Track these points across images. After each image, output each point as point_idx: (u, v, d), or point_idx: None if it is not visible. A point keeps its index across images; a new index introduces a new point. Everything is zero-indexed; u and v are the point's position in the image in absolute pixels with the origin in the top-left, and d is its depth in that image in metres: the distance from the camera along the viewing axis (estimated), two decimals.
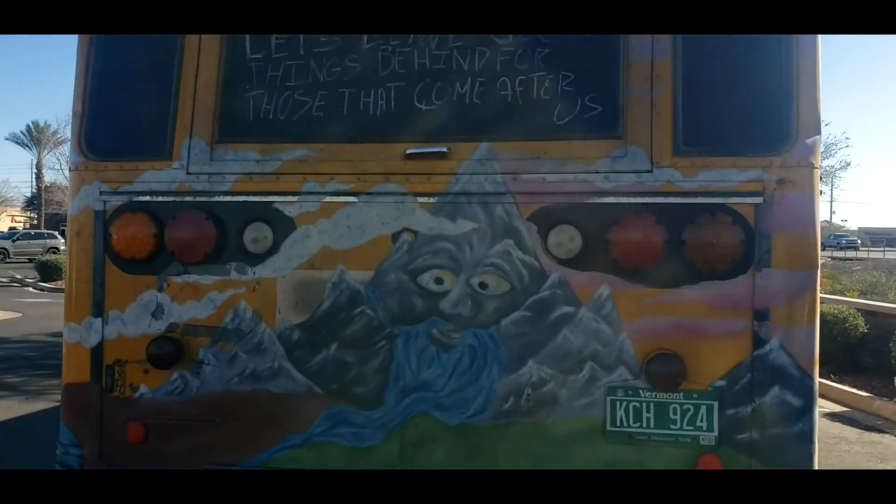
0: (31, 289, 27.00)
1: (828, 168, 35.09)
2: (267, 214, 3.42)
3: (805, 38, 3.16)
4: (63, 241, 44.74)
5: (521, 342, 3.24)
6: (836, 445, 7.63)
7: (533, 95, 3.30)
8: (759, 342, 3.08)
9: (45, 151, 63.96)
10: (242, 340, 3.43)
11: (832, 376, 9.98)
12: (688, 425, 3.12)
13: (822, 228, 3.31)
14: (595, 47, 3.29)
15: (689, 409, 3.13)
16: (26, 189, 73.85)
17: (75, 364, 3.58)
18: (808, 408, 3.07)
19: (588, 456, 3.19)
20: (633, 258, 3.13)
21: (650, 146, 3.18)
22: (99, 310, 3.54)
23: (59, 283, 27.56)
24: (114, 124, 3.65)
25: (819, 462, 3.17)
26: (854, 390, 9.36)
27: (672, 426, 3.14)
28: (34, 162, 65.20)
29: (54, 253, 37.09)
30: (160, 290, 3.51)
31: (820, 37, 3.21)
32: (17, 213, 73.17)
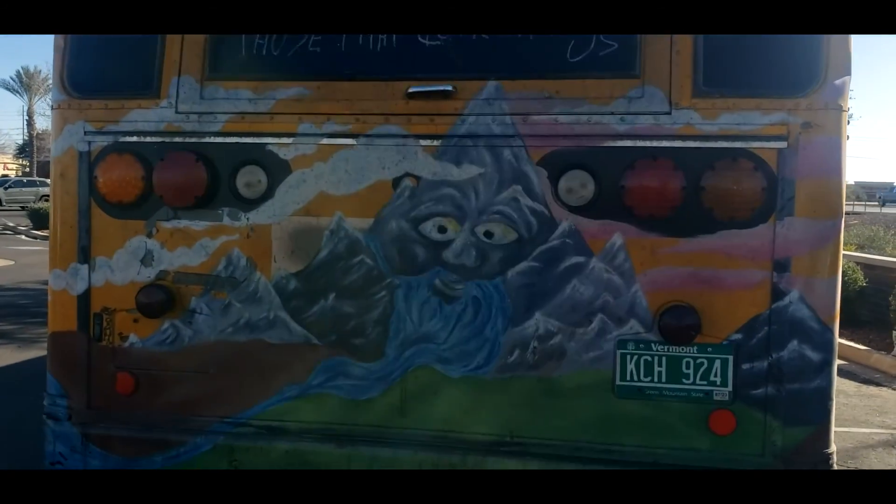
0: (23, 237, 26.84)
1: None
2: (260, 157, 3.25)
3: None
4: None
5: (527, 294, 3.10)
6: (835, 398, 7.60)
7: None
8: (778, 294, 2.95)
9: (36, 98, 63.02)
10: (236, 289, 3.30)
11: None
12: (701, 380, 3.01)
13: None
14: None
15: (702, 364, 3.01)
16: (18, 136, 73.20)
17: (61, 312, 3.45)
18: (826, 362, 2.96)
19: (595, 411, 3.09)
20: (648, 205, 2.98)
21: (669, 86, 3.00)
22: (85, 256, 3.39)
23: None
24: (98, 60, 3.47)
25: None
26: (852, 344, 9.35)
27: (684, 381, 3.02)
28: (25, 108, 64.37)
29: (47, 201, 36.79)
30: (149, 235, 3.35)
31: None
32: (8, 161, 72.60)
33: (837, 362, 3.01)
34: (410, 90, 3.13)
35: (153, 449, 3.36)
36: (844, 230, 3.06)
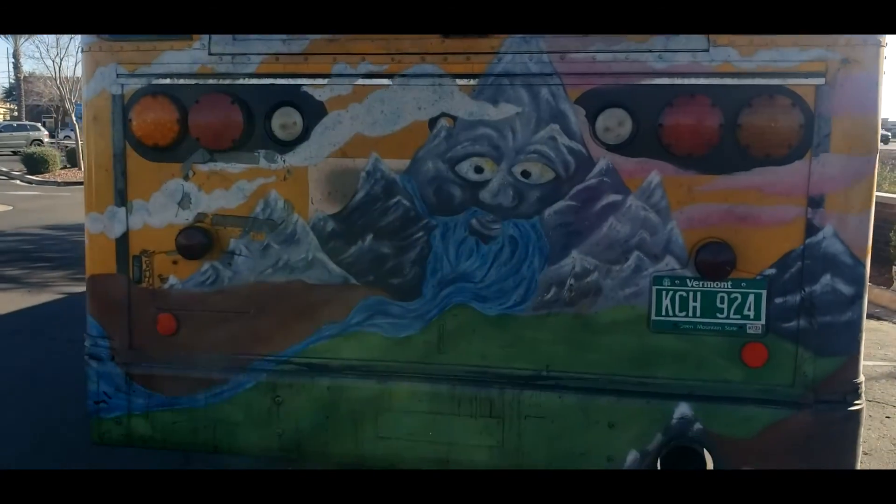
0: (18, 181, 26.63)
1: None
2: (295, 98, 3.24)
3: None
4: (46, 132, 43.80)
5: (564, 232, 3.14)
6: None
7: None
8: (811, 230, 2.99)
9: (22, 39, 61.62)
10: (274, 231, 3.33)
11: None
12: (734, 314, 3.08)
13: None
14: None
15: (736, 298, 3.08)
16: (3, 80, 71.72)
17: (100, 255, 3.48)
18: (858, 296, 3.03)
19: (631, 345, 3.16)
20: (686, 143, 2.99)
21: None
22: (122, 199, 3.40)
23: (47, 176, 27.22)
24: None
25: None
26: None
27: (719, 315, 3.09)
28: (10, 51, 63.03)
29: (38, 145, 36.39)
30: (186, 178, 3.36)
31: None
32: None
33: None
34: None
35: (197, 386, 3.43)
36: None
